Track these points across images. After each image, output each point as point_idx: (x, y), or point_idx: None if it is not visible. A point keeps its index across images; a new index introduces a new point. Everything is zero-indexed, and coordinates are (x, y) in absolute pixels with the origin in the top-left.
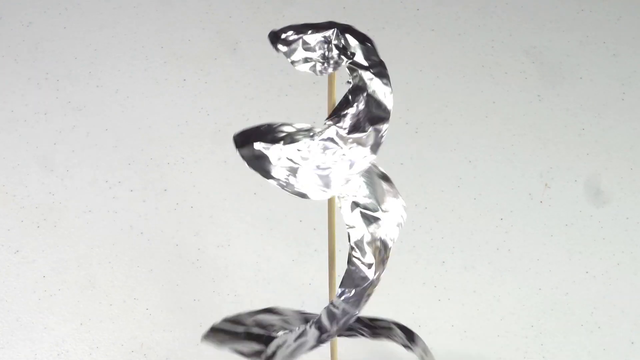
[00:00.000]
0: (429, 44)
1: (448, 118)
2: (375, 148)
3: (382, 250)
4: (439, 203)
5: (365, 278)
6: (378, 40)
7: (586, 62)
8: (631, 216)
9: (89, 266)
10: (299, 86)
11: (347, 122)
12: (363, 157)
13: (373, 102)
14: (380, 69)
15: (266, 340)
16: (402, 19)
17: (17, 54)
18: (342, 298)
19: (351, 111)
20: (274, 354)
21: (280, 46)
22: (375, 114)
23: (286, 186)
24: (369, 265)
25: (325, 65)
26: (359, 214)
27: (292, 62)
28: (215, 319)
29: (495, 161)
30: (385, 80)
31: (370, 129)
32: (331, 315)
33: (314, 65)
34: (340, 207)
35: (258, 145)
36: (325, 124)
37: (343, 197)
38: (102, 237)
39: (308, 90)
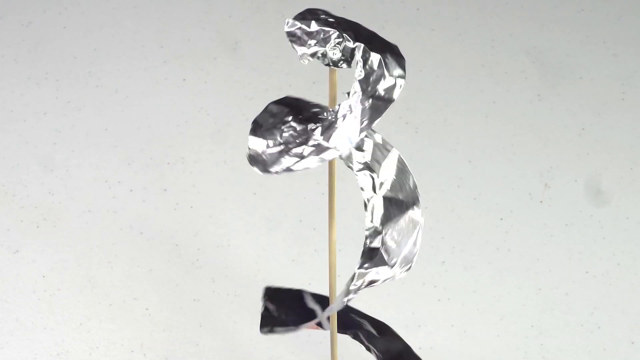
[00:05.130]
0: (429, 43)
1: (448, 118)
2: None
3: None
4: (439, 203)
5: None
6: None
7: (586, 62)
8: (631, 216)
9: (89, 266)
10: (299, 86)
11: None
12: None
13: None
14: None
15: None
16: (402, 19)
17: (17, 54)
18: None
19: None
20: None
21: (305, 22)
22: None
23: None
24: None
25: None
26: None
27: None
28: (215, 319)
29: (495, 161)
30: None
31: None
32: None
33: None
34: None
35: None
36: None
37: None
38: (102, 237)
39: (308, 90)
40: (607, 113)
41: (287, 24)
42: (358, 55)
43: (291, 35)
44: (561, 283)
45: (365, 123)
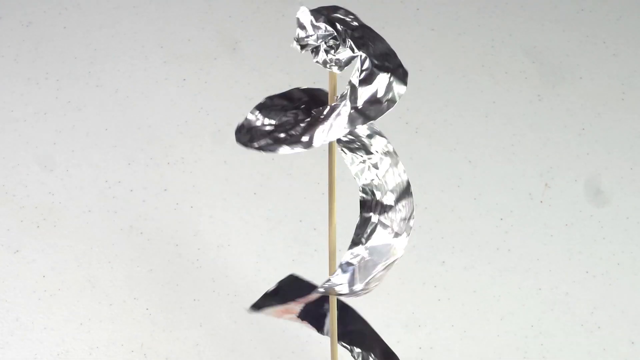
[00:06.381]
0: (429, 43)
1: (448, 118)
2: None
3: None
4: (439, 203)
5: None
6: None
7: (586, 62)
8: (631, 216)
9: (89, 266)
10: (298, 86)
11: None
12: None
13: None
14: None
15: None
16: (402, 19)
17: (17, 54)
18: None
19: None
20: None
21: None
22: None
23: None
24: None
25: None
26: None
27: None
28: (216, 319)
29: (495, 161)
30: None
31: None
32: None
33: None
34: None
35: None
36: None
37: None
38: (102, 237)
39: None
40: (607, 113)
41: (301, 11)
42: (358, 64)
43: (298, 21)
44: (561, 283)
45: (335, 129)
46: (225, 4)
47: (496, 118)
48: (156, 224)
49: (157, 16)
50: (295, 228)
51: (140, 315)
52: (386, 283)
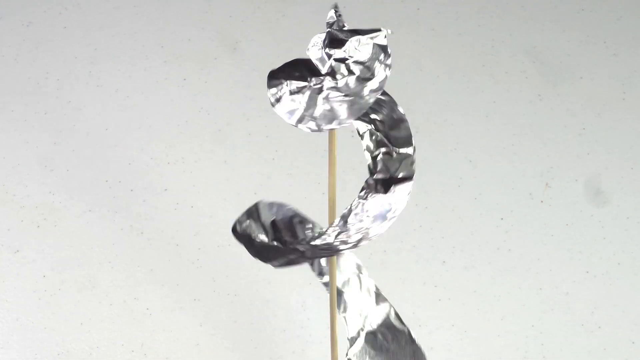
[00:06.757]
0: (429, 43)
1: (448, 118)
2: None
3: None
4: (439, 203)
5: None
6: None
7: (586, 62)
8: (631, 216)
9: (89, 266)
10: None
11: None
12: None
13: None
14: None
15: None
16: (402, 19)
17: (17, 54)
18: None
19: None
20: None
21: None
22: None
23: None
24: None
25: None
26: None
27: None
28: (215, 319)
29: (495, 161)
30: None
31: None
32: None
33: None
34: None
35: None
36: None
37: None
38: (102, 237)
39: None
40: (607, 113)
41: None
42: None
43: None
44: (561, 283)
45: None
46: (225, 4)
47: (496, 118)
48: (156, 224)
49: (157, 16)
50: None
51: (140, 315)
52: (386, 283)
